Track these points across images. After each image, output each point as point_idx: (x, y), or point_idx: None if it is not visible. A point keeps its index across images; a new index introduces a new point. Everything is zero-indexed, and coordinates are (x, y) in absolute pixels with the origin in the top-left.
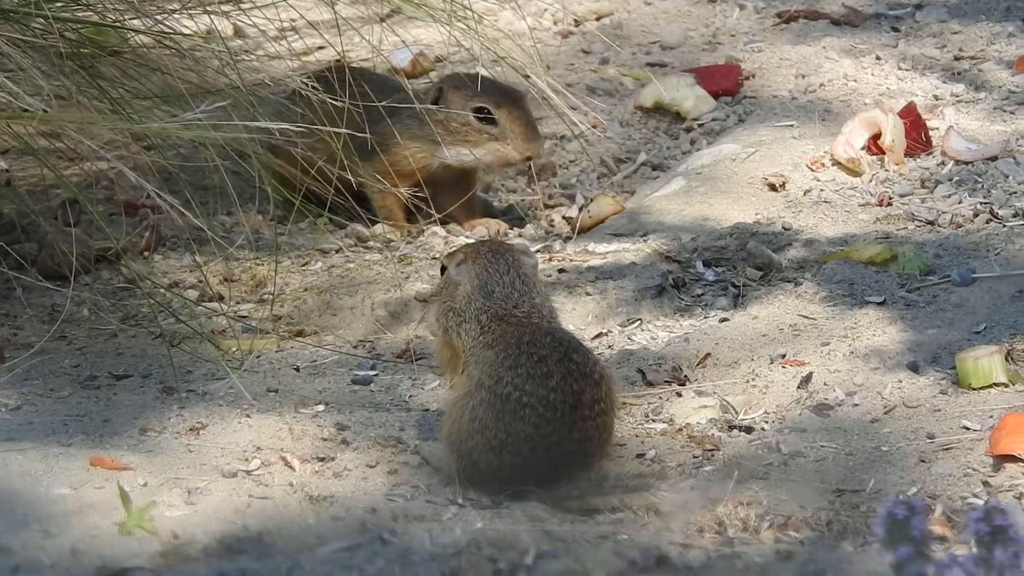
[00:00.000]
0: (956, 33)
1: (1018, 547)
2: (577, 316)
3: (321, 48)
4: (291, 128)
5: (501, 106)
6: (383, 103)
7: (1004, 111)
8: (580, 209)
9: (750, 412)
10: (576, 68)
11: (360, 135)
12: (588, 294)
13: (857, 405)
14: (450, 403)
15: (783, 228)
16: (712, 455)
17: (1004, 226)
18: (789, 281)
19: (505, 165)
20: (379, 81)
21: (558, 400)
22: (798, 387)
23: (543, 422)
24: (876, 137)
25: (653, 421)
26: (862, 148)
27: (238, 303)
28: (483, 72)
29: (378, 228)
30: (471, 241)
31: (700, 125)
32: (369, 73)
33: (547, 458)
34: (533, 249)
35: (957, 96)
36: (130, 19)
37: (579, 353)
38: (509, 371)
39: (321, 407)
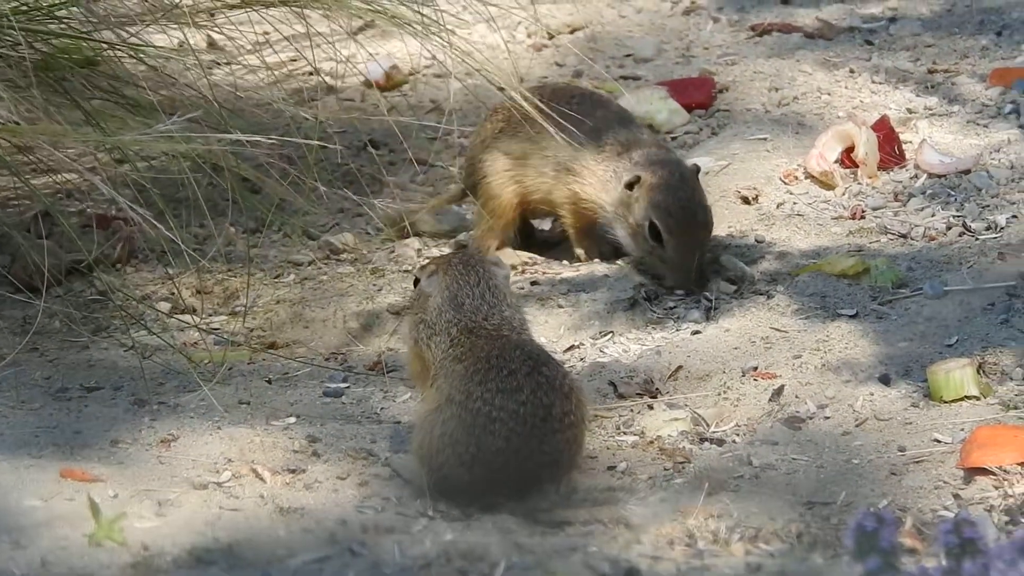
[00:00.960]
0: (930, 46)
1: (987, 559)
2: (549, 328)
3: (294, 61)
4: (263, 140)
5: (674, 234)
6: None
7: (977, 124)
8: (553, 221)
9: (721, 425)
10: (549, 81)
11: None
12: (560, 307)
13: (828, 418)
14: (420, 417)
15: (756, 241)
16: (683, 467)
17: (977, 239)
18: (761, 294)
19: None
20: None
21: (528, 414)
22: (769, 400)
23: (513, 436)
24: (849, 150)
25: (624, 433)
26: (835, 161)
27: (210, 315)
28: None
29: (349, 239)
30: (443, 253)
31: (673, 138)
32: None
33: (518, 471)
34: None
35: (930, 109)
36: (102, 31)
37: (549, 366)
38: (479, 386)
39: (292, 419)
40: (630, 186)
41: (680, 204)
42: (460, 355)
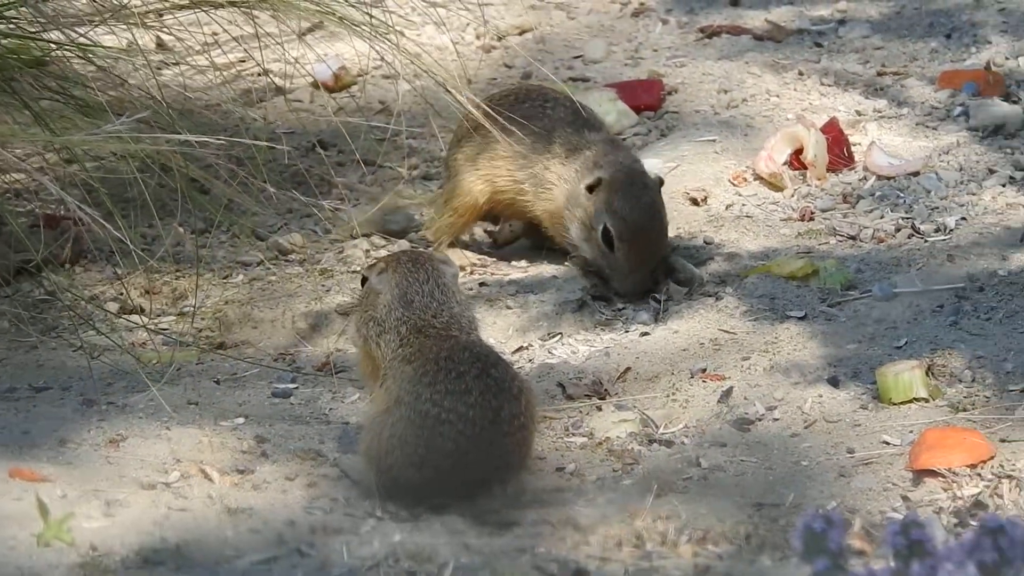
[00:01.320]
0: (879, 49)
1: (935, 560)
2: (498, 330)
3: (243, 62)
4: (212, 141)
5: (624, 240)
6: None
7: (926, 127)
8: (502, 223)
9: (670, 426)
10: (498, 83)
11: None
12: (509, 308)
13: (777, 420)
14: (369, 418)
15: (705, 243)
16: (631, 469)
17: (926, 241)
18: (710, 295)
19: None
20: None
21: (477, 416)
22: (718, 401)
23: (462, 438)
24: (798, 152)
25: (573, 435)
26: (784, 163)
27: (159, 316)
28: (656, 171)
29: (298, 240)
30: (392, 251)
31: (622, 140)
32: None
33: (467, 473)
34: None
35: (880, 112)
36: (51, 31)
37: (498, 368)
38: (428, 388)
39: (241, 420)
40: (590, 189)
41: (641, 208)
42: (409, 356)
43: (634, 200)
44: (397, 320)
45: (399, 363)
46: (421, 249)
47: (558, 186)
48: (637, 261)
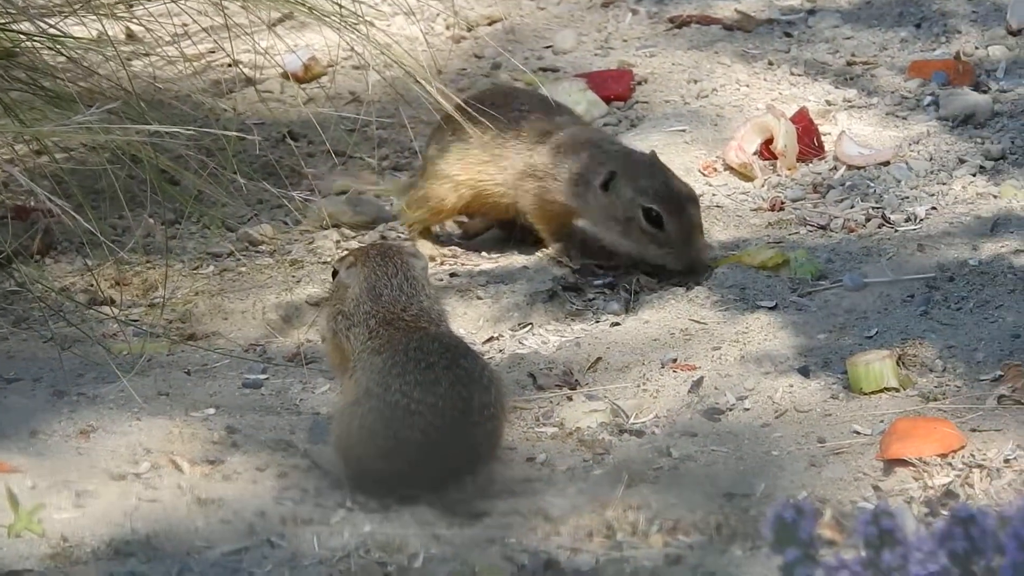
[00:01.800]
0: (849, 39)
1: (906, 550)
2: (469, 320)
3: (213, 53)
4: (182, 131)
5: (672, 213)
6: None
7: (896, 116)
8: (471, 217)
9: (641, 416)
10: (468, 73)
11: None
12: (480, 298)
13: (748, 409)
14: (339, 410)
15: None
16: (602, 459)
17: (896, 231)
18: (681, 285)
19: (656, 266)
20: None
21: (447, 407)
22: (689, 391)
23: (432, 429)
24: (768, 142)
25: (543, 425)
26: (754, 153)
27: (129, 307)
28: (656, 154)
29: (268, 231)
30: (362, 244)
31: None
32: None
33: (437, 464)
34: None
35: (850, 101)
36: (21, 22)
37: (467, 358)
38: (397, 378)
39: (211, 410)
40: (605, 186)
41: (666, 182)
42: (378, 347)
43: (661, 175)
44: (366, 314)
45: (368, 355)
46: (391, 242)
47: (548, 180)
48: (692, 230)
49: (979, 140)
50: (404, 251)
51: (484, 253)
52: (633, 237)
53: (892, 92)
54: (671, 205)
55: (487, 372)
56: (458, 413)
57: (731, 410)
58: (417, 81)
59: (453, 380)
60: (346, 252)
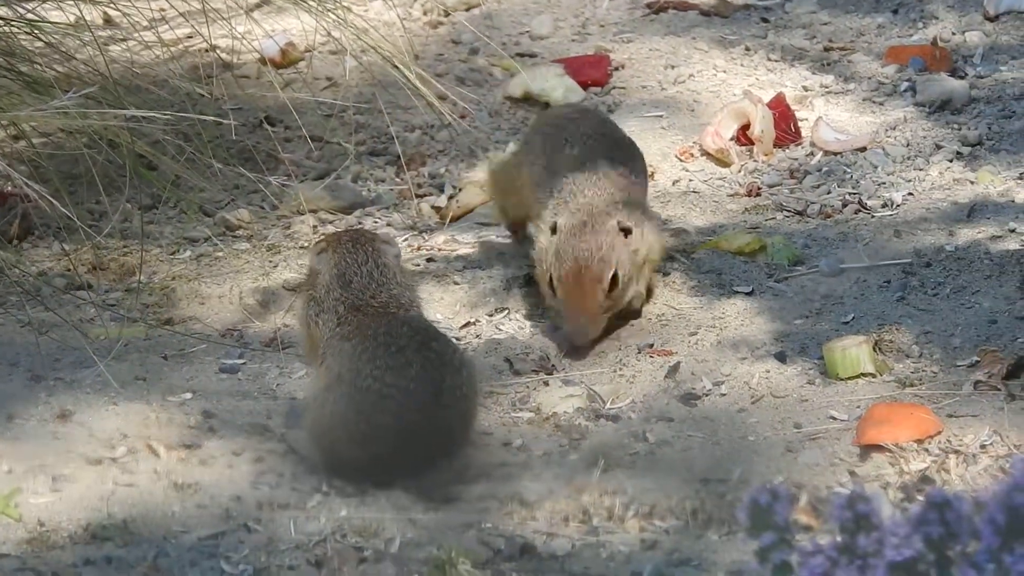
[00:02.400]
0: (826, 24)
1: (881, 535)
2: (446, 305)
3: (190, 38)
4: (159, 116)
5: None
6: None
7: (873, 102)
8: (449, 199)
9: (617, 401)
10: (445, 58)
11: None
12: (456, 283)
13: (724, 395)
14: (311, 397)
15: None
16: (578, 444)
17: (873, 216)
18: (657, 271)
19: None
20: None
21: (419, 390)
22: (665, 376)
23: (404, 413)
24: (745, 128)
25: (520, 410)
26: (731, 139)
27: (106, 291)
28: None
29: (245, 216)
30: (337, 230)
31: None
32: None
33: (411, 448)
34: (401, 239)
35: (826, 87)
36: None
37: (438, 341)
38: (368, 363)
39: (188, 395)
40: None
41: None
42: (347, 333)
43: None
44: (335, 300)
45: (338, 341)
46: (364, 228)
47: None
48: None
49: (956, 126)
50: (377, 238)
51: (461, 238)
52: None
53: (869, 78)
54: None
55: (458, 355)
56: (430, 396)
57: (707, 395)
58: (395, 66)
59: (424, 363)
60: (321, 238)
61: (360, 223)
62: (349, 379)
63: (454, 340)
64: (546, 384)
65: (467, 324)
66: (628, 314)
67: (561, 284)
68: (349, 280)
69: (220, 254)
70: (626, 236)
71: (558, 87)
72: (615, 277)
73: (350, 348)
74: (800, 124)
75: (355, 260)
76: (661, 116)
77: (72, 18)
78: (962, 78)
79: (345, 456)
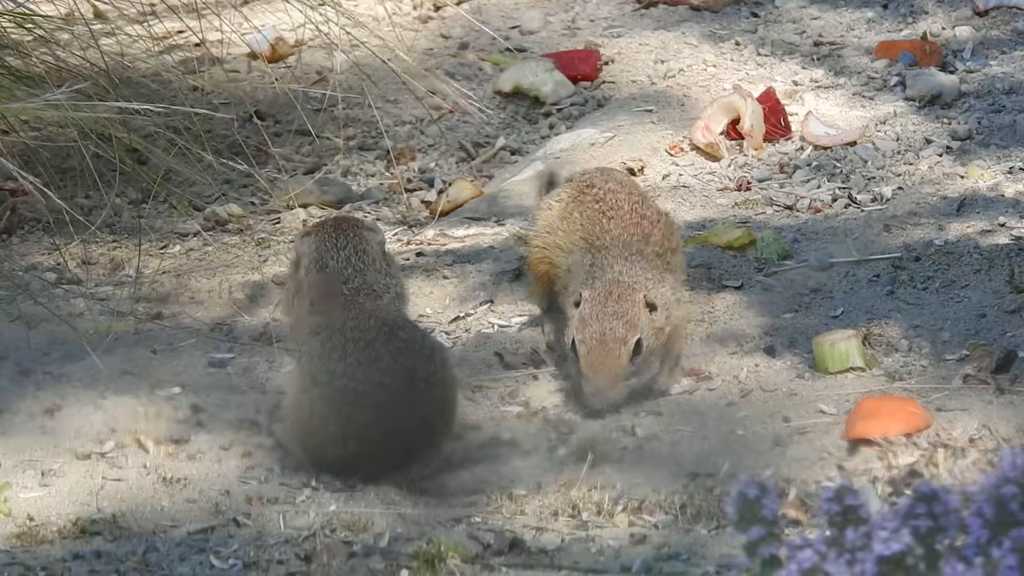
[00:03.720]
0: (815, 19)
1: (870, 528)
2: (435, 299)
3: (181, 32)
4: (153, 109)
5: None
6: None
7: (863, 97)
8: (439, 193)
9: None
10: (435, 53)
11: None
12: (446, 277)
13: (713, 389)
14: (289, 400)
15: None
16: (567, 438)
17: (862, 211)
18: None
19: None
20: None
21: (391, 382)
22: None
23: (381, 407)
24: (735, 122)
25: (509, 404)
26: (721, 133)
27: (96, 285)
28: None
29: (235, 210)
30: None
31: (559, 110)
32: None
33: (392, 440)
34: (391, 233)
35: (816, 82)
36: None
37: (405, 330)
38: (339, 362)
39: (177, 389)
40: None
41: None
42: (315, 328)
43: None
44: (311, 284)
45: (308, 335)
46: (352, 215)
47: None
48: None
49: (946, 120)
50: (362, 224)
51: (450, 232)
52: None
53: (859, 72)
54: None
55: (428, 341)
56: (404, 386)
57: (696, 389)
58: (384, 61)
59: (393, 352)
60: (310, 225)
61: (350, 213)
62: (323, 381)
63: (423, 328)
64: (535, 378)
65: (457, 318)
66: (652, 392)
67: (583, 346)
68: (326, 263)
69: (210, 248)
70: (651, 311)
71: (548, 81)
72: (639, 343)
73: (319, 346)
74: (790, 119)
75: (334, 244)
76: (651, 111)
77: (62, 12)
78: (952, 73)
79: (330, 456)
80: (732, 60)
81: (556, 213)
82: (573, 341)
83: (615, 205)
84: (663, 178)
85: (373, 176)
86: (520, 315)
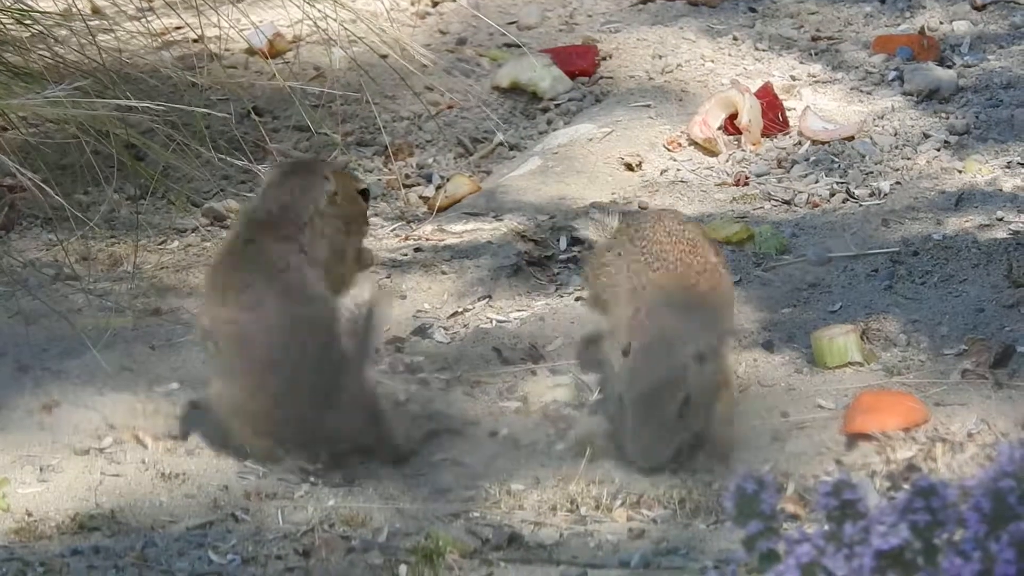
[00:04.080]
0: (813, 14)
1: (868, 522)
2: (433, 295)
3: (179, 28)
4: (152, 106)
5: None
6: None
7: (861, 91)
8: (437, 189)
9: (604, 390)
10: (433, 48)
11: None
12: (444, 273)
13: None
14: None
15: (640, 208)
16: (565, 433)
17: (860, 206)
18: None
19: None
20: None
21: (284, 354)
22: None
23: (281, 389)
24: (733, 117)
25: (507, 399)
26: (719, 128)
27: (95, 281)
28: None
29: (234, 206)
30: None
31: (557, 105)
32: None
33: (309, 416)
34: (389, 229)
35: (814, 76)
36: None
37: (287, 297)
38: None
39: (175, 385)
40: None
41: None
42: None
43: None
44: (244, 213)
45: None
46: (326, 159)
47: None
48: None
49: (944, 115)
50: (320, 168)
51: (448, 228)
52: None
53: (857, 67)
54: None
55: (305, 293)
56: (297, 358)
57: None
58: (383, 56)
59: (276, 294)
60: None
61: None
62: (227, 378)
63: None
64: (534, 373)
65: (455, 313)
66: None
67: (632, 402)
68: (265, 194)
69: (208, 244)
70: (699, 363)
71: (545, 77)
72: (687, 399)
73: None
74: (788, 113)
75: (278, 180)
76: (649, 106)
77: (61, 8)
78: (950, 67)
79: (267, 448)
80: (730, 55)
81: (606, 258)
82: (620, 396)
83: (660, 256)
84: (661, 173)
85: (371, 172)
86: (518, 310)
